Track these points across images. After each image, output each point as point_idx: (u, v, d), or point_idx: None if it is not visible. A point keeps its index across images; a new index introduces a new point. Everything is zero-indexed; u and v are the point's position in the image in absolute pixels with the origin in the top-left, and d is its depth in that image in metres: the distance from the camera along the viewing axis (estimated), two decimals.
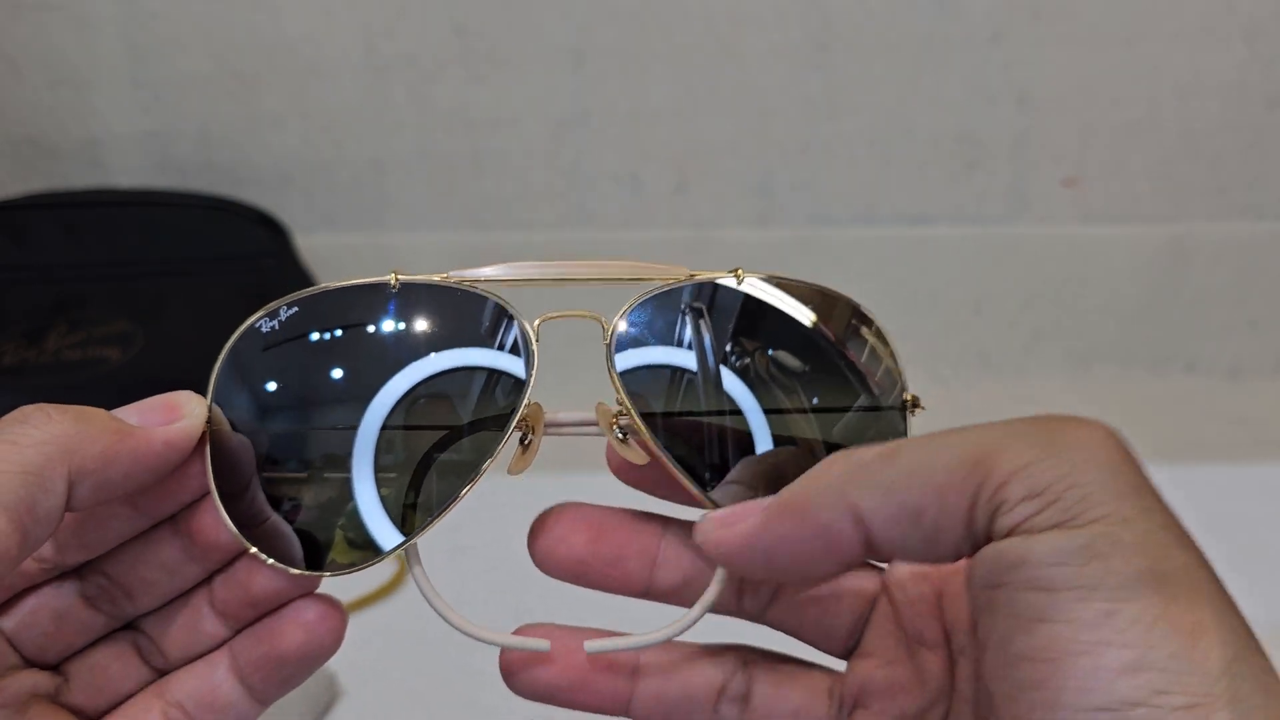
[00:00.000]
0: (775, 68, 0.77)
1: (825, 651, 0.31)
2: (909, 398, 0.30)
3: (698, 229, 0.81)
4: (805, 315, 0.31)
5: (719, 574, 0.29)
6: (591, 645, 0.29)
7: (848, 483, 0.25)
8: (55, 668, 0.29)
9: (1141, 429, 0.80)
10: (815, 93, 0.78)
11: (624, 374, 0.28)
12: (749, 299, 0.31)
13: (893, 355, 0.31)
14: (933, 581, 0.29)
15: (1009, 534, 0.23)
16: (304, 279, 0.77)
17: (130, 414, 0.27)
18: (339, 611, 0.29)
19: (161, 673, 0.29)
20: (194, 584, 0.29)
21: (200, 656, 0.29)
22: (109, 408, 0.27)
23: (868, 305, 0.34)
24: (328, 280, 0.82)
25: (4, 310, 0.72)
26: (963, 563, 0.25)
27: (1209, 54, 0.77)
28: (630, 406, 0.28)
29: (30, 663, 0.28)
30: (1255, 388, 0.81)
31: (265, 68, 0.78)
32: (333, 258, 0.81)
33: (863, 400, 0.30)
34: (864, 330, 0.31)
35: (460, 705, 0.44)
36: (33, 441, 0.24)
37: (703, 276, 0.30)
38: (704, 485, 0.29)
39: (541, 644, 0.30)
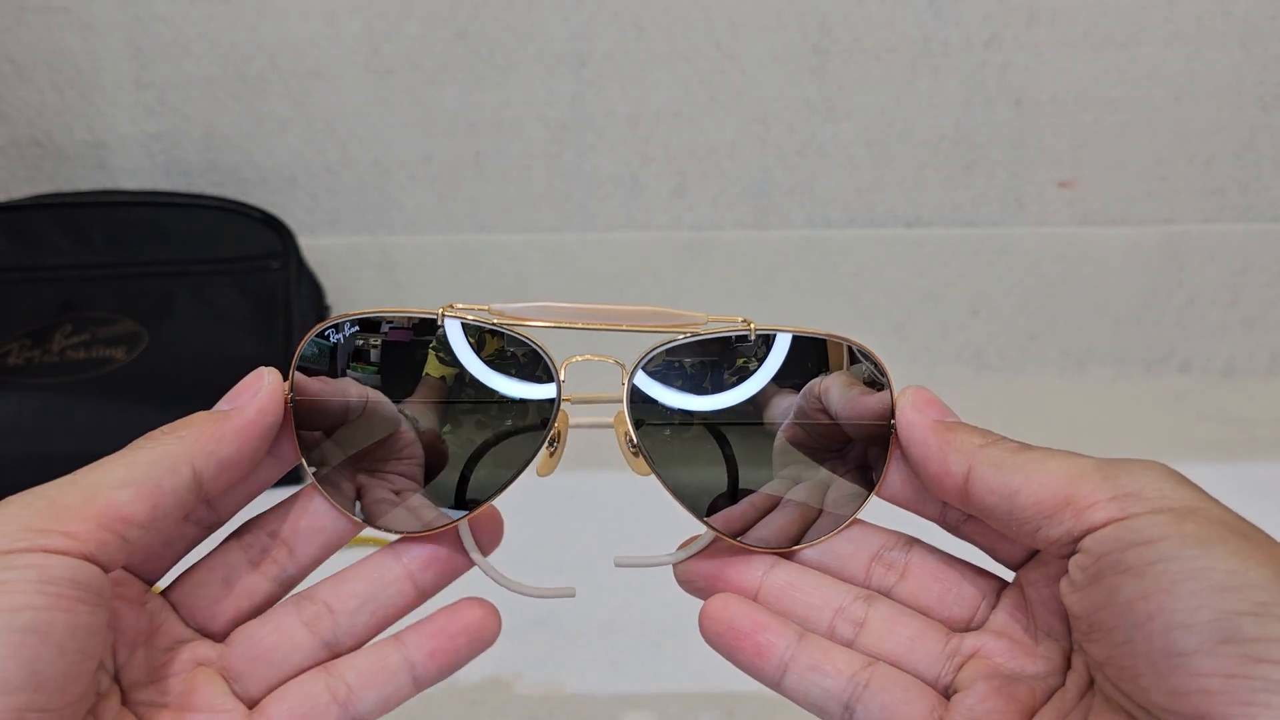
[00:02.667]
0: (774, 71, 0.78)
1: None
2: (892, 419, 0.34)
3: (697, 230, 0.82)
4: (807, 360, 0.34)
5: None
6: (621, 560, 0.36)
7: (978, 451, 0.31)
8: (225, 642, 0.33)
9: (1136, 428, 0.80)
10: (813, 95, 0.78)
11: (633, 408, 0.33)
12: (756, 347, 0.33)
13: (891, 392, 0.34)
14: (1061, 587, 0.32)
15: (1104, 525, 0.27)
16: (309, 280, 0.78)
17: (222, 404, 0.32)
18: (496, 611, 0.34)
19: (328, 643, 0.33)
20: (355, 533, 0.34)
21: (377, 612, 0.33)
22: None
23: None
24: (329, 280, 0.83)
25: (9, 310, 0.72)
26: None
27: (1204, 56, 0.77)
28: (635, 438, 0.33)
29: (201, 632, 0.33)
30: (1249, 387, 0.81)
31: (270, 71, 0.78)
32: (337, 259, 0.82)
33: (851, 430, 0.34)
34: (863, 369, 0.34)
35: (460, 703, 0.44)
36: (158, 445, 0.29)
37: (715, 327, 0.33)
38: (694, 504, 0.33)
39: (568, 590, 0.36)
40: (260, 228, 0.75)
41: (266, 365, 0.33)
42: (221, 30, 0.77)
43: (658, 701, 0.44)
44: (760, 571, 0.34)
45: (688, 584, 0.35)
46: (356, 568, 0.34)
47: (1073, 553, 0.29)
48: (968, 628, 0.33)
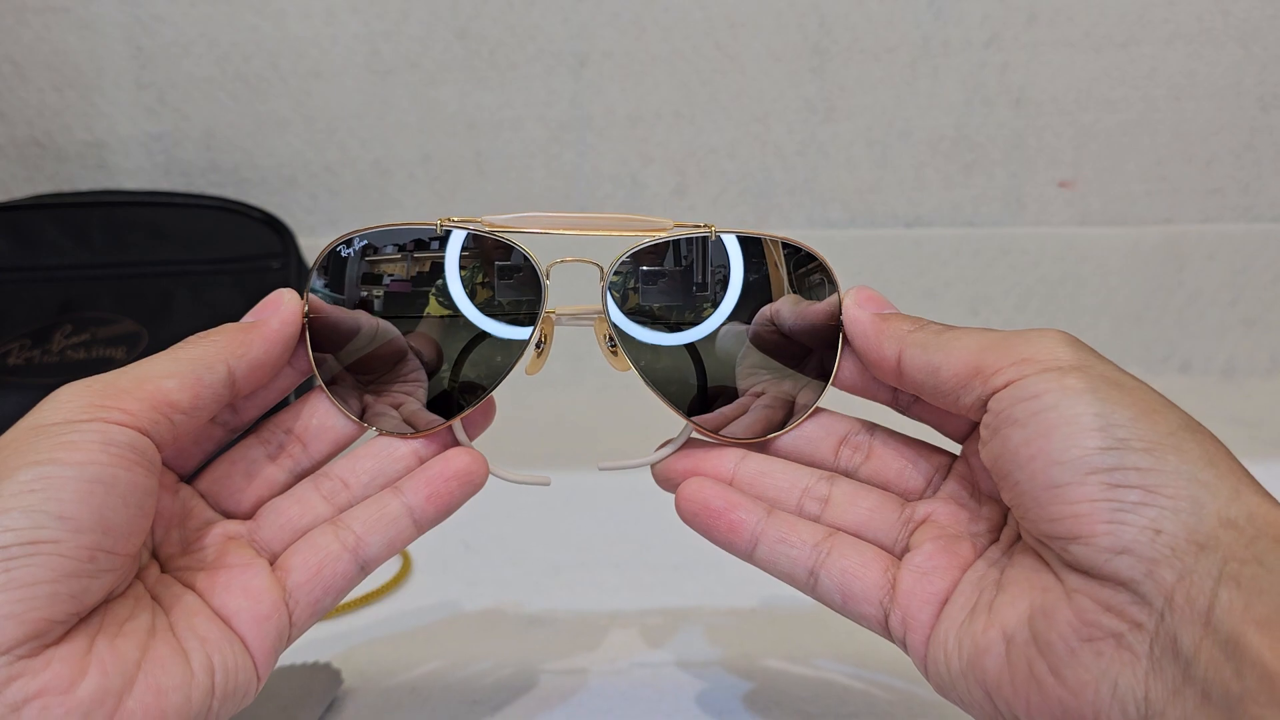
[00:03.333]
0: (773, 71, 0.78)
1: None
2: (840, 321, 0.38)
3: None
4: (765, 259, 0.38)
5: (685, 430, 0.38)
6: (604, 464, 0.40)
7: (907, 335, 0.35)
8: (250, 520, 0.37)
9: None
10: (813, 95, 0.78)
11: (612, 307, 0.37)
12: (717, 247, 0.37)
13: (836, 286, 0.38)
14: None
15: (1003, 387, 0.31)
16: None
17: (247, 317, 0.36)
18: (482, 458, 0.37)
19: (344, 510, 0.37)
20: (360, 433, 0.38)
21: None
22: None
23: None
24: None
25: (10, 311, 0.72)
26: None
27: (1204, 56, 0.77)
28: (615, 330, 0.37)
29: (228, 515, 0.36)
30: (1250, 387, 0.81)
31: (269, 71, 0.78)
32: None
33: (808, 329, 0.38)
34: (812, 266, 0.38)
35: (460, 702, 0.44)
36: (197, 346, 0.34)
37: (681, 231, 0.37)
38: (671, 396, 0.38)
39: (543, 479, 0.39)
40: (260, 228, 0.75)
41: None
42: (222, 30, 0.78)
43: (661, 699, 0.44)
44: (733, 462, 0.38)
45: (666, 481, 0.38)
46: (367, 447, 0.38)
47: (983, 415, 0.32)
48: (922, 498, 0.37)
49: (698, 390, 0.37)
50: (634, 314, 0.37)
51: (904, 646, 0.34)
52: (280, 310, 0.36)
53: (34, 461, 0.28)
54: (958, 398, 0.33)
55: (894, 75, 0.78)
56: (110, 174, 0.81)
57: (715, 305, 0.37)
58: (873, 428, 0.38)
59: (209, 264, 0.74)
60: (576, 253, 0.38)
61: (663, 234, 0.37)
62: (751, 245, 0.37)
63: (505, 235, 0.37)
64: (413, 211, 0.82)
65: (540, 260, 0.37)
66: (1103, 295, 0.82)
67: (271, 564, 0.35)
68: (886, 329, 0.35)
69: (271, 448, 0.37)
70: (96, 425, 0.29)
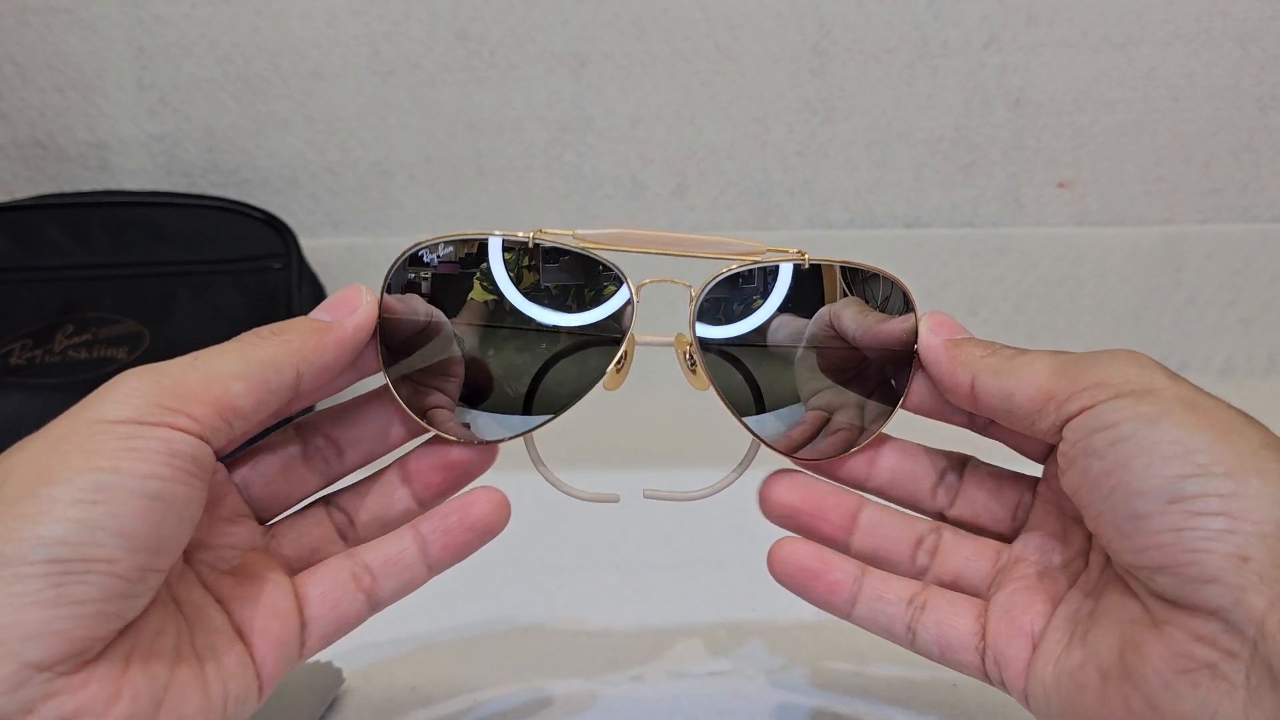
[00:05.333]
0: (773, 72, 0.78)
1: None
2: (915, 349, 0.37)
3: (697, 231, 0.82)
4: (852, 288, 0.37)
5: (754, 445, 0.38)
6: (650, 492, 0.39)
7: (979, 361, 0.34)
8: (268, 526, 0.36)
9: None
10: (812, 96, 0.79)
11: (699, 325, 0.37)
12: (808, 275, 0.37)
13: (916, 318, 0.37)
14: None
15: (1078, 414, 0.31)
16: (310, 281, 0.78)
17: (322, 312, 0.35)
18: (505, 499, 0.37)
19: (351, 542, 0.37)
20: (393, 447, 0.37)
21: (388, 527, 0.37)
22: None
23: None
24: (330, 281, 0.83)
25: (11, 310, 0.72)
26: None
27: (1202, 57, 0.77)
28: (696, 349, 0.37)
29: (254, 508, 0.36)
30: (1248, 387, 0.81)
31: (271, 72, 0.78)
32: (338, 260, 0.82)
33: (882, 354, 0.38)
34: (893, 293, 0.37)
35: (460, 702, 0.45)
36: (269, 345, 0.33)
37: (773, 256, 0.37)
38: (744, 413, 0.37)
39: (612, 497, 0.39)
40: (261, 228, 0.75)
41: None
42: (223, 31, 0.78)
43: (661, 699, 0.45)
44: (854, 508, 0.38)
45: (778, 508, 0.37)
46: (382, 479, 0.38)
47: (1059, 441, 0.32)
48: (1012, 525, 0.38)
49: (766, 409, 0.38)
50: (716, 337, 0.37)
51: (1004, 687, 0.34)
52: (357, 313, 0.35)
53: (96, 468, 0.27)
54: (1033, 423, 0.33)
55: (893, 76, 0.78)
56: (112, 174, 0.82)
57: (794, 330, 0.37)
58: (961, 462, 0.38)
59: (210, 264, 0.74)
60: (664, 271, 0.38)
61: (755, 259, 0.37)
62: (839, 273, 0.37)
63: (598, 252, 0.36)
64: (413, 212, 0.82)
65: (631, 278, 0.37)
66: (1101, 295, 0.82)
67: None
68: (960, 355, 0.35)
69: (309, 447, 0.37)
70: (162, 432, 0.29)
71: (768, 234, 0.82)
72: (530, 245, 0.36)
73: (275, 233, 0.75)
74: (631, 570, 0.56)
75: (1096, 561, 0.34)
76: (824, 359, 0.37)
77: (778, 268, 0.37)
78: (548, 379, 0.37)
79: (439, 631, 0.50)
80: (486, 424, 0.37)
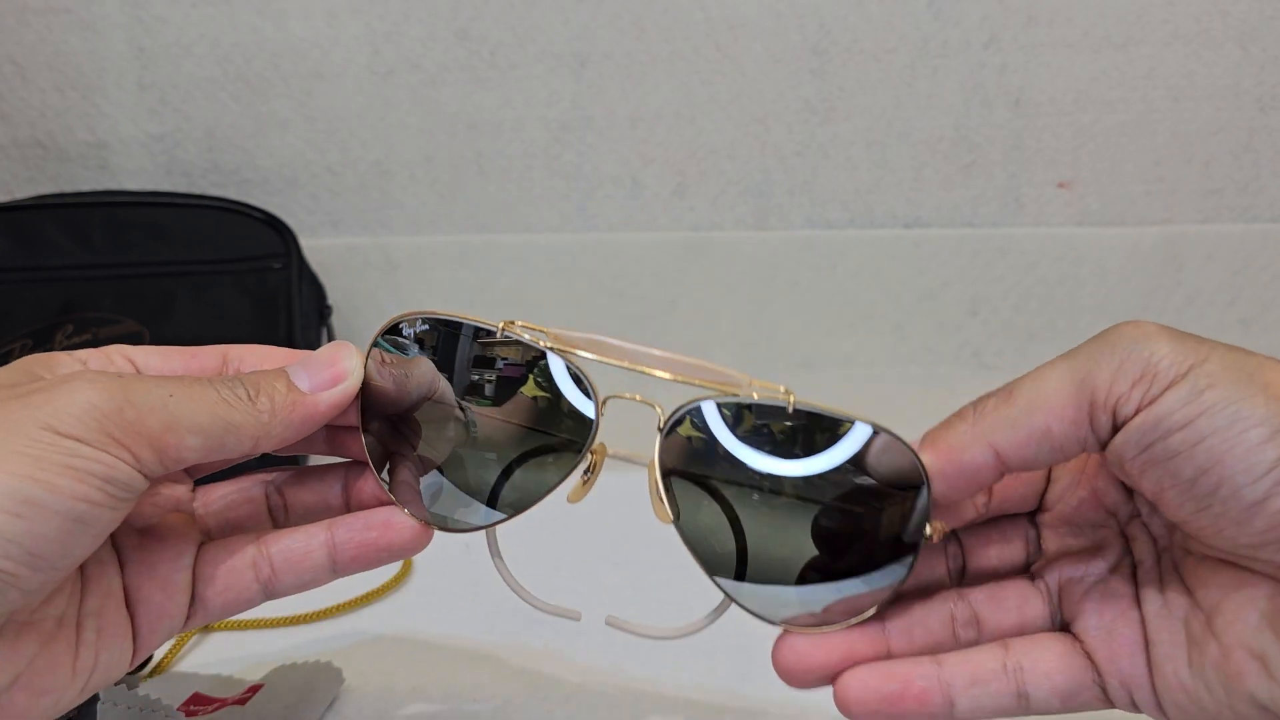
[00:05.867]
0: (773, 72, 0.78)
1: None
2: (931, 530, 0.32)
3: (697, 231, 0.82)
4: (843, 445, 0.32)
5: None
6: (613, 620, 0.36)
7: (979, 425, 0.31)
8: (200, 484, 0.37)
9: None
10: (812, 96, 0.79)
11: (663, 455, 0.33)
12: (792, 418, 0.33)
13: (928, 495, 0.32)
14: (1084, 485, 0.34)
15: (1135, 415, 0.29)
16: (310, 281, 0.78)
17: (299, 374, 0.34)
18: (428, 533, 0.36)
19: (279, 524, 0.37)
20: (337, 513, 0.37)
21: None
22: None
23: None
24: (330, 280, 0.83)
25: (11, 310, 0.72)
26: (1096, 461, 0.33)
27: (1202, 57, 0.77)
28: (661, 487, 0.33)
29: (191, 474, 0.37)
30: None
31: (271, 72, 0.78)
32: (338, 259, 0.82)
33: (880, 528, 0.33)
34: (900, 467, 0.32)
35: (460, 702, 0.45)
36: (239, 409, 0.31)
37: (757, 392, 0.33)
38: (707, 562, 0.33)
39: (573, 613, 0.37)
40: (261, 228, 0.75)
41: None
42: (223, 31, 0.78)
43: (661, 700, 0.45)
44: (878, 630, 0.34)
45: (805, 676, 0.33)
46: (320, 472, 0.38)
47: (1116, 449, 0.30)
48: (1027, 559, 0.35)
49: (737, 558, 0.33)
50: (686, 468, 0.33)
51: (1134, 707, 0.32)
52: (335, 389, 0.34)
53: (30, 478, 0.27)
54: (1079, 445, 0.30)
55: (893, 76, 0.78)
56: (112, 174, 0.82)
57: (775, 477, 0.33)
58: (960, 577, 0.35)
59: (210, 264, 0.74)
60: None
61: (734, 392, 0.33)
62: (826, 423, 0.32)
63: (567, 355, 0.34)
64: (413, 212, 0.82)
65: (599, 388, 0.34)
66: (1101, 295, 0.82)
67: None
68: (961, 436, 0.31)
69: (273, 499, 0.37)
70: (106, 457, 0.28)
71: (768, 233, 0.82)
72: (498, 337, 0.34)
73: (275, 232, 0.75)
74: (633, 570, 0.56)
75: (1145, 555, 0.33)
76: (812, 517, 0.33)
77: (754, 407, 0.33)
78: (511, 476, 0.35)
79: (439, 631, 0.50)
80: (443, 506, 0.35)
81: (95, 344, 0.70)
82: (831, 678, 0.33)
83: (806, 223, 0.82)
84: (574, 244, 0.82)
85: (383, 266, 0.83)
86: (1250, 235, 0.81)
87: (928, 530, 0.32)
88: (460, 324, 0.34)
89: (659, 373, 0.33)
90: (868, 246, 0.81)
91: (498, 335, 0.34)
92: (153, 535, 0.34)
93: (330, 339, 0.79)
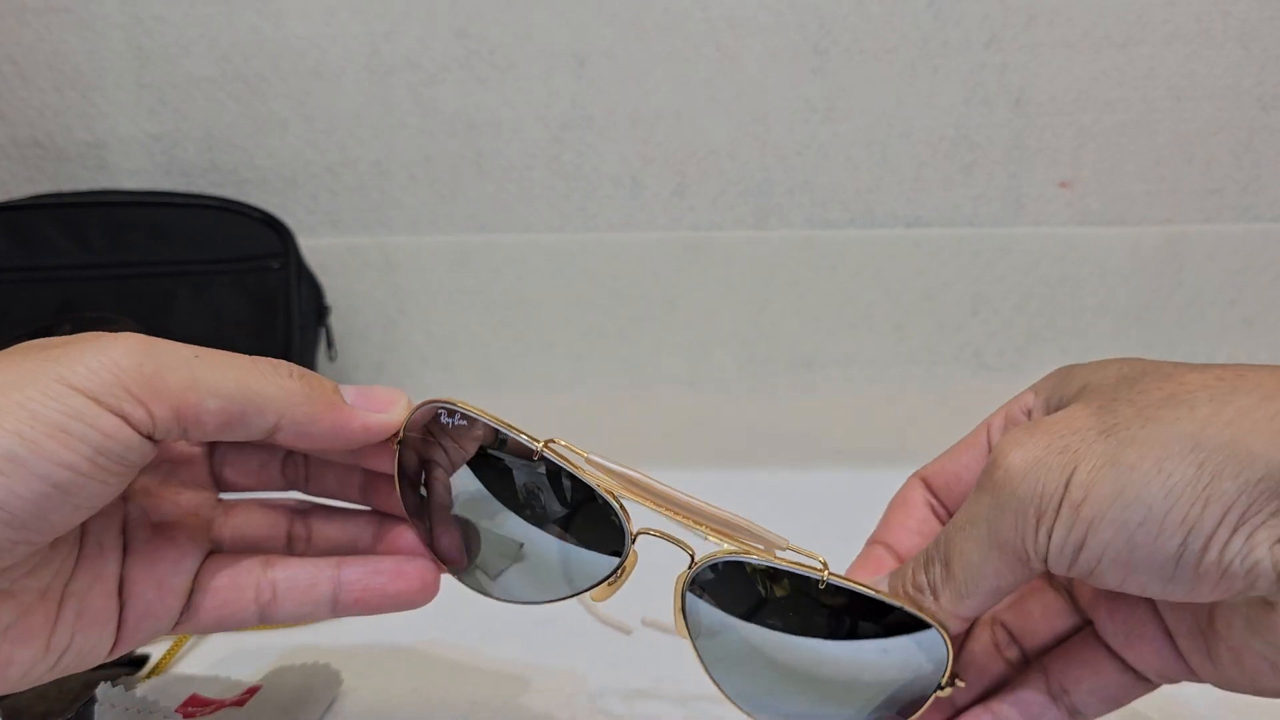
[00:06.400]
0: (773, 71, 0.78)
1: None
2: (944, 684, 0.32)
3: (697, 230, 0.82)
4: (875, 620, 0.32)
5: None
6: (649, 620, 0.37)
7: (941, 609, 0.30)
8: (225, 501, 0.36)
9: None
10: (813, 96, 0.79)
11: (688, 607, 0.33)
12: (824, 593, 0.32)
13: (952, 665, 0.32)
14: None
15: (1047, 552, 0.28)
16: (309, 280, 0.78)
17: (350, 392, 0.33)
18: (437, 581, 0.35)
19: (298, 553, 0.36)
20: (358, 501, 0.36)
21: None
22: None
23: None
24: (329, 280, 0.83)
25: (9, 310, 0.72)
26: None
27: (1203, 57, 0.77)
28: (687, 633, 0.34)
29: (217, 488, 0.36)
30: None
31: (269, 71, 0.78)
32: (337, 259, 0.82)
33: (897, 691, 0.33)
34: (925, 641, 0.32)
35: (461, 702, 0.44)
36: (269, 379, 0.31)
37: (791, 559, 0.32)
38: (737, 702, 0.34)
39: (625, 627, 0.37)
40: (260, 228, 0.75)
41: None
42: (222, 30, 0.78)
43: (661, 699, 0.45)
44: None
45: None
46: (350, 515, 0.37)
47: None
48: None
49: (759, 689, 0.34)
50: (711, 623, 0.33)
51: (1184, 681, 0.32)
52: (377, 416, 0.33)
53: (18, 434, 0.26)
54: (1030, 577, 0.29)
55: (894, 75, 0.78)
56: (110, 174, 0.81)
57: (801, 639, 0.32)
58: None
59: (209, 264, 0.74)
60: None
61: (765, 557, 0.32)
62: (860, 601, 0.32)
63: (602, 487, 0.33)
64: (413, 212, 0.82)
65: (633, 522, 0.33)
66: (1102, 295, 0.82)
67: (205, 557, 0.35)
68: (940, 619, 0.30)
69: (297, 528, 0.36)
70: (107, 422, 0.27)
71: (768, 233, 0.82)
72: (535, 457, 0.33)
73: (274, 232, 0.75)
74: (635, 569, 0.55)
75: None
76: (840, 678, 0.33)
77: (787, 574, 0.32)
78: (539, 569, 0.35)
79: (439, 632, 0.50)
80: (470, 569, 0.35)
81: None
82: None
83: (806, 222, 0.82)
84: (574, 244, 0.82)
85: (382, 266, 0.83)
86: (1251, 235, 0.81)
87: (944, 689, 0.32)
88: (502, 430, 0.33)
89: (698, 527, 0.32)
90: (868, 246, 0.81)
91: (536, 456, 0.33)
92: (164, 532, 0.33)
93: (329, 339, 0.79)
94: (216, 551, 0.35)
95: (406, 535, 0.36)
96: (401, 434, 0.34)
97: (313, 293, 0.78)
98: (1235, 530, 0.25)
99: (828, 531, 0.44)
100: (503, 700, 0.44)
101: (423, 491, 0.35)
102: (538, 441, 0.33)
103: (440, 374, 0.85)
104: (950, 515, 0.36)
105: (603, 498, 0.33)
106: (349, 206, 0.82)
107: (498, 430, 0.33)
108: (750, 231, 0.82)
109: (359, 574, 0.35)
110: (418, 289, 0.83)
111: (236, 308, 0.73)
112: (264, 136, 0.80)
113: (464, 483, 0.35)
